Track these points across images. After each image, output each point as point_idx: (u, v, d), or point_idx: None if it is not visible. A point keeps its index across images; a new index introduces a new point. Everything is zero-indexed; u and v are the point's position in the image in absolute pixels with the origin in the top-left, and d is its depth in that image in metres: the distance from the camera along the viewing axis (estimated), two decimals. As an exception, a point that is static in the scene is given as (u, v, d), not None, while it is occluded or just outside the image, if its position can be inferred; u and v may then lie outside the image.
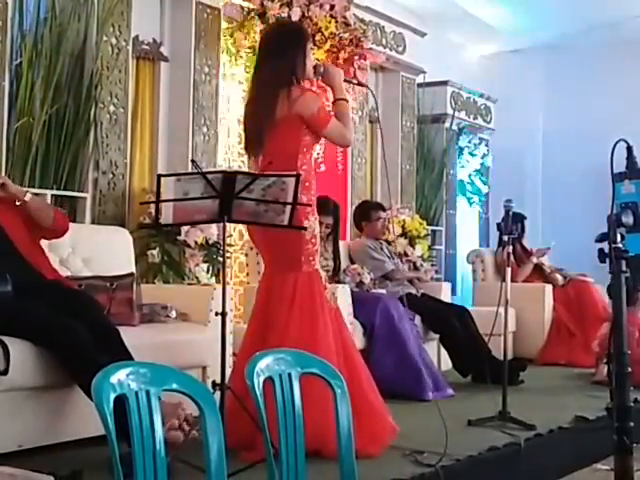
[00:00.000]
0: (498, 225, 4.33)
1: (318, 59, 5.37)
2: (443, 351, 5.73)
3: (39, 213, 3.53)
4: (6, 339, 3.08)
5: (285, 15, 5.52)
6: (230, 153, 5.79)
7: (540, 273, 7.25)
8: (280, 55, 3.56)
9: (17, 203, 3.48)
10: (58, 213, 3.67)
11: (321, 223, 4.02)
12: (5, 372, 3.05)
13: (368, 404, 3.51)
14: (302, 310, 3.50)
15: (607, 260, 2.71)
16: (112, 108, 4.74)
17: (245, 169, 5.58)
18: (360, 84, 4.22)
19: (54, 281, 3.47)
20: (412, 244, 6.64)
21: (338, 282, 5.09)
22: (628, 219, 2.75)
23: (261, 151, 3.60)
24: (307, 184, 3.55)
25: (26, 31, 4.49)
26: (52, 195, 4.50)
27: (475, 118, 8.36)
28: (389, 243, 6.20)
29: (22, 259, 3.41)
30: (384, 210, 6.10)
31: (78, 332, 3.13)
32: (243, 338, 3.63)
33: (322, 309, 3.54)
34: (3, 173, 4.19)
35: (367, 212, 6.03)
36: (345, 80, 3.82)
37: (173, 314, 4.03)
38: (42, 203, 3.70)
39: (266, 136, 3.54)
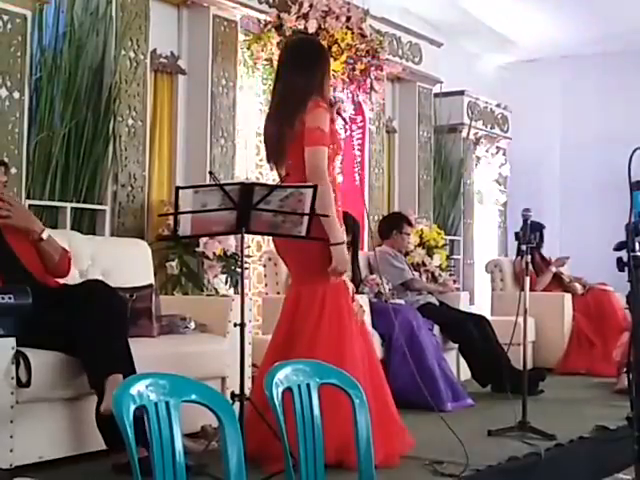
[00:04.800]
0: (516, 234, 4.31)
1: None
2: (462, 361, 5.72)
3: (45, 255, 3.49)
4: (28, 351, 3.10)
5: (301, 27, 5.55)
6: (248, 165, 5.81)
7: (559, 282, 7.22)
8: (306, 71, 3.55)
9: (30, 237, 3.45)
10: (63, 259, 3.57)
11: None
12: (28, 384, 3.08)
13: (390, 416, 3.51)
14: (330, 323, 3.47)
15: (626, 269, 2.70)
16: (131, 121, 4.78)
17: (263, 180, 5.62)
18: (345, 121, 3.96)
19: (59, 286, 3.49)
20: (430, 254, 6.63)
21: (357, 293, 5.10)
22: (646, 227, 2.74)
23: (282, 163, 3.58)
24: (332, 195, 3.52)
25: (45, 46, 4.54)
26: (72, 208, 4.54)
27: (492, 127, 8.36)
28: (406, 255, 6.23)
29: (25, 269, 3.43)
30: (411, 227, 6.17)
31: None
32: (266, 350, 3.60)
33: (349, 321, 3.51)
34: (24, 187, 4.23)
35: (401, 223, 6.08)
36: (337, 112, 3.74)
37: (192, 325, 4.04)
38: (52, 247, 3.54)
39: (287, 150, 3.54)
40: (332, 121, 3.54)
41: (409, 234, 6.14)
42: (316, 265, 3.52)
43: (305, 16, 5.57)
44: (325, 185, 3.40)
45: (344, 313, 3.51)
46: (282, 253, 3.72)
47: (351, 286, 3.65)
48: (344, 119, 3.92)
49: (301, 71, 3.56)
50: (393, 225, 6.08)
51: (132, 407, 1.65)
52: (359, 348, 3.49)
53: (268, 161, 3.71)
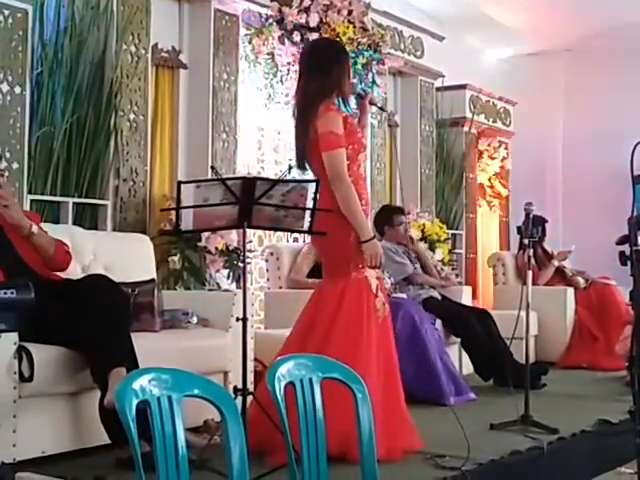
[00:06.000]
0: (519, 228, 4.31)
1: None
2: (464, 355, 5.71)
3: (41, 249, 3.47)
4: (30, 346, 3.11)
5: (303, 21, 5.55)
6: (249, 159, 5.81)
7: (562, 276, 7.21)
8: (320, 74, 3.55)
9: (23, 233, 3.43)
10: (59, 251, 3.54)
11: None
12: (30, 379, 3.08)
13: (400, 415, 3.52)
14: (348, 319, 3.46)
15: (628, 262, 2.70)
16: (132, 116, 4.78)
17: (264, 175, 5.62)
18: (381, 109, 4.32)
19: (61, 281, 3.49)
20: (432, 248, 6.63)
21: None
22: (649, 221, 2.74)
23: (308, 167, 3.60)
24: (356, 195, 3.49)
25: (47, 41, 4.53)
26: (74, 203, 4.54)
27: (494, 121, 8.34)
28: (409, 248, 6.20)
29: (26, 264, 3.43)
30: (404, 214, 6.11)
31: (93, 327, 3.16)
32: (284, 342, 3.57)
33: (368, 319, 3.48)
34: (25, 182, 4.23)
35: (389, 217, 6.00)
36: (370, 102, 3.87)
37: (194, 320, 4.05)
38: (45, 239, 3.50)
39: (308, 156, 3.55)
40: (346, 120, 3.53)
41: (402, 223, 6.03)
42: (339, 259, 3.53)
43: (306, 10, 5.56)
44: (346, 187, 3.43)
45: (362, 309, 3.49)
46: (315, 247, 3.87)
47: (375, 282, 3.59)
48: (381, 108, 4.10)
49: (315, 75, 3.57)
50: (383, 222, 6.01)
51: (135, 401, 1.65)
52: (377, 346, 3.48)
53: (297, 167, 3.67)
